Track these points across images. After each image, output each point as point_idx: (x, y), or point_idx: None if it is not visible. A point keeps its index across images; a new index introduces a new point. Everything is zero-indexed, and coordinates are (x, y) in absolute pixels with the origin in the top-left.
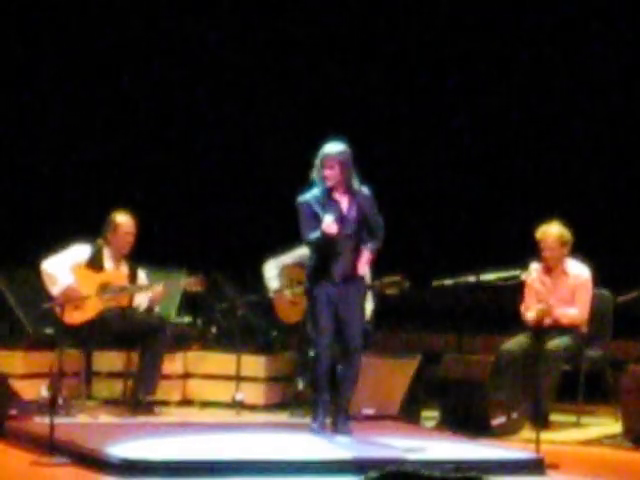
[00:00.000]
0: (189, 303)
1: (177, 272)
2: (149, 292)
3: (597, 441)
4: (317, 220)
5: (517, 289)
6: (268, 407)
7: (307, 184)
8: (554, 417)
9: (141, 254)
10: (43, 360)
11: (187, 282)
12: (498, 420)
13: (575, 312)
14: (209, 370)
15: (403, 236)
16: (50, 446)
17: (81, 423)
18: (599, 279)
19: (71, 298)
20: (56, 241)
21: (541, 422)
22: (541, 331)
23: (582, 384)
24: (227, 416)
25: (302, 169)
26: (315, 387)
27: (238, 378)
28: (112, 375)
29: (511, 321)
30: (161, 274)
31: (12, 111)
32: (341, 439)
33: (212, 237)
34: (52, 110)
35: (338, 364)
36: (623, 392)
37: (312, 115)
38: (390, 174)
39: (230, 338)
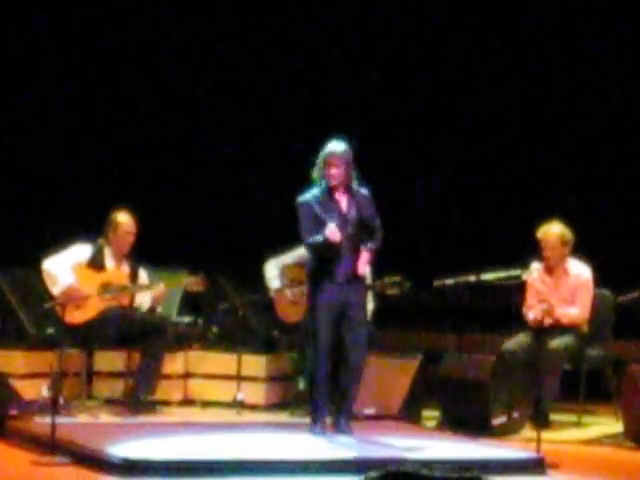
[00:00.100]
0: (190, 303)
1: (178, 272)
2: (150, 292)
3: (598, 441)
4: (317, 221)
5: (518, 289)
6: (269, 407)
7: (307, 184)
8: (555, 417)
9: (142, 254)
10: (44, 360)
11: (188, 282)
12: (499, 420)
13: (576, 312)
14: (210, 370)
15: (404, 236)
16: (51, 446)
17: (82, 423)
18: (600, 279)
19: (73, 297)
20: (57, 241)
21: (542, 421)
22: (542, 331)
23: (583, 384)
24: (228, 416)
25: (303, 169)
26: (314, 390)
27: (239, 378)
28: (113, 375)
29: (512, 321)
30: (162, 274)
31: (12, 111)
32: (342, 439)
33: (213, 237)
34: (52, 110)
35: (339, 366)
36: (624, 392)
37: (312, 115)
38: (390, 174)
39: (231, 338)
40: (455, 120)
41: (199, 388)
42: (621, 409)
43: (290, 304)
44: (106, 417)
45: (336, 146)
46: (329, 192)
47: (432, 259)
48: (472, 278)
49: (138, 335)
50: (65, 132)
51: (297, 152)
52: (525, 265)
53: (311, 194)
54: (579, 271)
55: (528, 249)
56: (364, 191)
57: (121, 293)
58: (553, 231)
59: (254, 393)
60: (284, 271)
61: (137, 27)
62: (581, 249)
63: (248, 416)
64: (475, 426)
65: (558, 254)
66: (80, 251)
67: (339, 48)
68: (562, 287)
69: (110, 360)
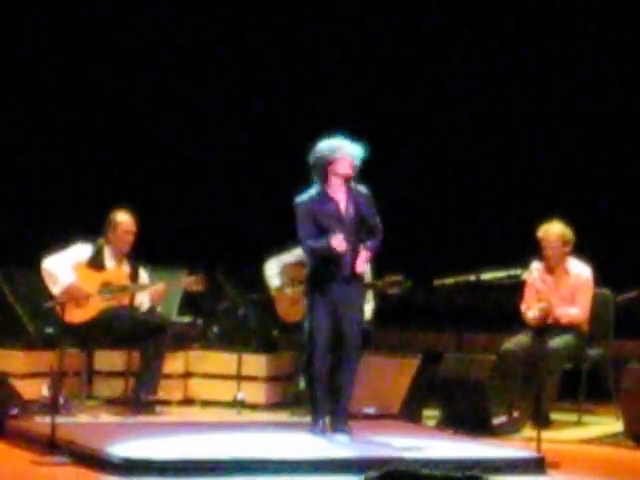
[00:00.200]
0: (190, 302)
1: (178, 271)
2: (150, 291)
3: (598, 440)
4: (315, 222)
5: (518, 288)
6: (269, 406)
7: (307, 184)
8: (555, 416)
9: (142, 253)
10: (44, 359)
11: (188, 281)
12: (499, 419)
13: (576, 311)
14: (210, 369)
15: (404, 235)
16: (51, 445)
17: (82, 422)
18: (600, 278)
19: (74, 296)
20: (57, 240)
21: (542, 421)
22: (542, 330)
23: (583, 383)
24: (228, 415)
25: (303, 169)
26: (314, 389)
27: (239, 377)
28: (113, 374)
29: (512, 320)
30: (162, 273)
31: (12, 110)
32: (342, 438)
33: (213, 237)
34: (52, 109)
35: (336, 365)
36: (624, 391)
37: (313, 115)
38: (391, 173)
39: (231, 337)
40: (455, 120)
41: (199, 388)
42: (621, 408)
43: (290, 303)
44: (106, 417)
45: (348, 143)
46: (327, 190)
47: (432, 258)
48: (472, 278)
49: (138, 335)
50: (65, 132)
51: (297, 152)
52: (525, 265)
53: (309, 194)
54: (579, 270)
55: (528, 249)
56: (363, 189)
57: (121, 293)
58: (554, 230)
59: (254, 393)
60: (284, 270)
61: (137, 27)
62: (581, 248)
63: (248, 416)
64: (475, 426)
65: (558, 253)
66: (80, 251)
67: (339, 48)
68: (562, 287)
69: (110, 360)
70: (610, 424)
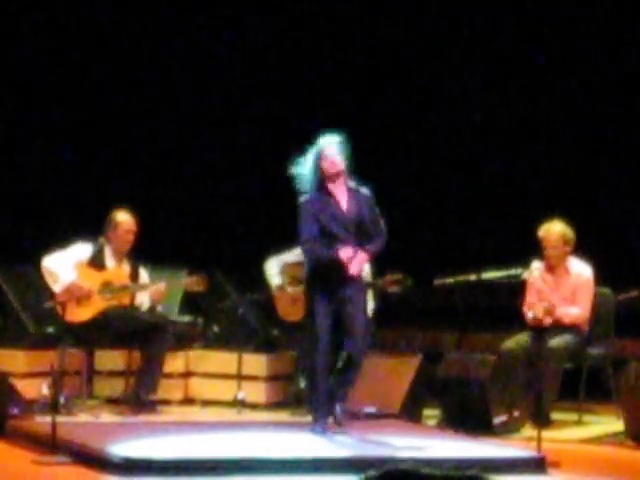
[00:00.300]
0: (190, 302)
1: (178, 271)
2: (150, 291)
3: (599, 439)
4: (317, 221)
5: (518, 288)
6: (269, 406)
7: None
8: (556, 415)
9: (142, 253)
10: (44, 359)
11: (188, 281)
12: (499, 418)
13: (577, 311)
14: (210, 369)
15: (405, 234)
16: (51, 445)
17: (82, 422)
18: (600, 278)
19: (75, 294)
20: (57, 240)
21: (542, 420)
22: (542, 330)
23: (583, 382)
24: (228, 415)
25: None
26: (315, 389)
27: (239, 377)
28: (113, 374)
29: (512, 320)
30: (162, 273)
31: (12, 109)
32: (342, 438)
33: (213, 236)
34: (52, 108)
35: (337, 365)
36: (624, 390)
37: (313, 114)
38: (391, 173)
39: (231, 337)
40: (455, 119)
41: (200, 387)
42: (622, 408)
43: (290, 303)
44: (107, 416)
45: (327, 141)
46: (328, 190)
47: (433, 258)
48: (473, 277)
49: (139, 334)
50: (65, 131)
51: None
52: (526, 264)
53: (313, 194)
54: (580, 270)
55: (529, 248)
56: (365, 190)
57: (121, 292)
58: (555, 230)
59: (254, 392)
60: (284, 269)
61: (137, 27)
62: (582, 248)
63: (249, 415)
64: (476, 425)
65: (559, 253)
66: (81, 250)
67: (340, 47)
68: (563, 286)
69: (111, 359)
70: (611, 423)
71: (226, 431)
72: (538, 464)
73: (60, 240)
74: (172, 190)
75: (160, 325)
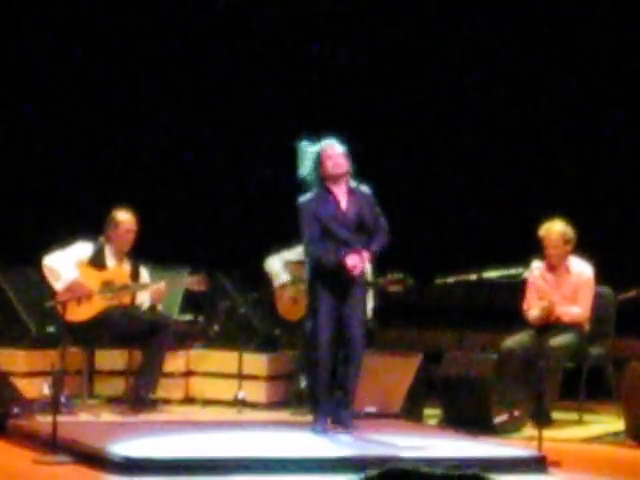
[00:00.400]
0: (191, 301)
1: (179, 271)
2: (151, 290)
3: (599, 439)
4: (317, 220)
5: (519, 287)
6: (270, 405)
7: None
8: (556, 415)
9: (143, 252)
10: (45, 358)
11: (189, 281)
12: (500, 418)
13: (577, 310)
14: (211, 368)
15: (405, 234)
16: (52, 444)
17: (83, 421)
18: (601, 277)
19: (77, 293)
20: (58, 239)
21: (543, 420)
22: (543, 329)
23: (584, 382)
24: (229, 414)
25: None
26: (316, 388)
27: (240, 376)
28: (114, 373)
29: (513, 319)
30: (163, 272)
31: (11, 108)
32: (343, 437)
33: (214, 236)
34: (52, 107)
35: (339, 364)
36: (625, 390)
37: (313, 113)
38: (392, 172)
39: (232, 336)
40: (456, 118)
41: (200, 386)
42: (622, 407)
43: (291, 302)
44: (107, 416)
45: (329, 141)
46: (329, 190)
47: (433, 257)
48: (473, 276)
49: (139, 333)
50: (65, 130)
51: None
52: (526, 264)
53: (312, 195)
54: (581, 269)
55: (530, 247)
56: (365, 189)
57: (122, 292)
58: (555, 229)
59: (255, 391)
60: (286, 268)
61: (137, 26)
62: (582, 247)
63: (249, 414)
64: (476, 424)
65: (560, 252)
66: (81, 249)
67: (340, 47)
68: (564, 285)
69: (111, 359)
70: (611, 423)
71: (227, 431)
72: (539, 463)
73: (60, 240)
74: (173, 189)
75: (161, 324)
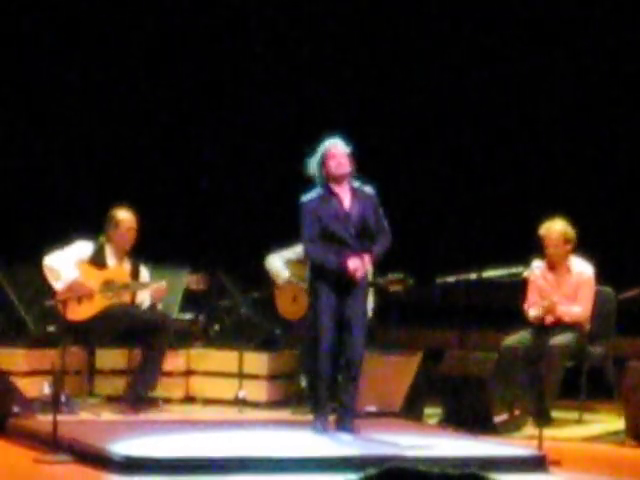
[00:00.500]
0: (191, 300)
1: (180, 270)
2: (151, 289)
3: (600, 438)
4: (318, 220)
5: (519, 286)
6: (270, 404)
7: (307, 182)
8: (557, 414)
9: (144, 251)
10: (45, 357)
11: (190, 280)
12: (501, 417)
13: (578, 310)
14: (211, 367)
15: (405, 233)
16: (53, 443)
17: (84, 420)
18: (601, 276)
19: (77, 292)
20: (58, 238)
21: (543, 419)
22: (543, 328)
23: (584, 381)
24: (229, 413)
25: (303, 166)
26: (317, 387)
27: (240, 375)
28: (115, 372)
29: (513, 318)
30: (164, 271)
31: (11, 108)
32: (343, 436)
33: (215, 235)
34: (51, 106)
35: (340, 364)
36: (626, 389)
37: (314, 113)
38: (392, 171)
39: (232, 335)
40: (456, 118)
41: (201, 386)
42: (623, 406)
43: (291, 301)
44: (108, 415)
45: (333, 141)
46: (332, 190)
47: (434, 256)
48: (474, 275)
49: (140, 332)
50: (64, 129)
51: (298, 149)
52: (527, 262)
53: (314, 194)
54: (581, 269)
55: (530, 247)
56: (369, 190)
57: (123, 291)
58: (556, 228)
59: (256, 391)
60: (287, 267)
61: (136, 26)
62: (583, 246)
63: (250, 414)
64: (477, 423)
65: (561, 251)
66: (82, 248)
67: (341, 49)
68: (564, 285)
69: (112, 358)
70: (612, 422)
71: (227, 430)
72: (539, 463)
73: (60, 239)
74: (173, 188)
75: (161, 323)
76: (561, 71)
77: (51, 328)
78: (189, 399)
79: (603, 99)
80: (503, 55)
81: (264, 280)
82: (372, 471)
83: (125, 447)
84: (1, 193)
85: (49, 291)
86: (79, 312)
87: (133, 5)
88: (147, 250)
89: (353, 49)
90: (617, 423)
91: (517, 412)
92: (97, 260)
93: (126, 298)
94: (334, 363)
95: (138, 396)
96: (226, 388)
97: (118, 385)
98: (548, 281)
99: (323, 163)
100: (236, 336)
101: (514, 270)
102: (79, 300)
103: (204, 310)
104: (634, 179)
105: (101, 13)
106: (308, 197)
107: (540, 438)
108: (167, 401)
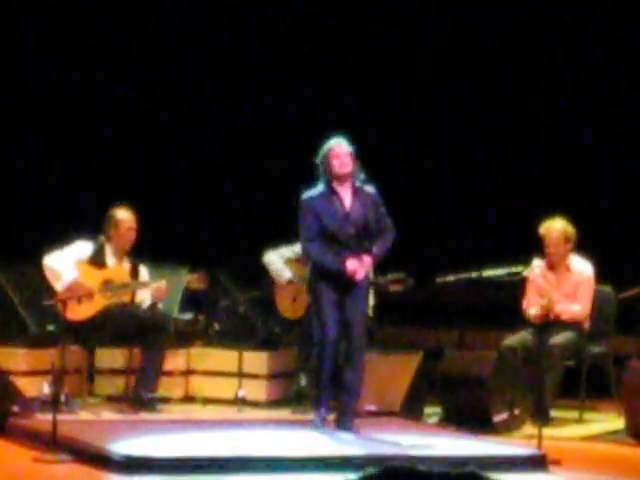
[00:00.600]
0: (191, 300)
1: (179, 269)
2: (152, 288)
3: (599, 437)
4: (318, 218)
5: (519, 285)
6: (270, 403)
7: (308, 180)
8: (556, 413)
9: (143, 251)
10: (45, 357)
11: (189, 279)
12: (500, 416)
13: (578, 309)
14: (211, 367)
15: (406, 232)
16: (52, 443)
17: (83, 420)
18: (601, 275)
19: (77, 293)
20: (58, 237)
21: (543, 418)
22: (543, 327)
23: (584, 380)
24: (229, 413)
25: (305, 166)
26: (318, 386)
27: (240, 375)
28: (114, 372)
29: (513, 317)
30: (163, 271)
31: (10, 107)
32: (343, 435)
33: (214, 234)
34: (51, 105)
35: (342, 364)
36: (625, 388)
37: (314, 112)
38: (392, 171)
39: (232, 335)
40: (456, 117)
41: (200, 385)
42: (622, 405)
43: (291, 300)
44: (107, 414)
45: (337, 140)
46: (333, 189)
47: (434, 255)
48: (473, 274)
49: (139, 332)
50: (64, 129)
51: (298, 148)
52: (526, 262)
53: (315, 192)
54: (581, 267)
55: (530, 246)
56: (370, 189)
57: (122, 290)
58: (556, 227)
59: (255, 390)
60: (286, 265)
61: (137, 25)
62: (583, 245)
63: (249, 413)
64: (476, 422)
65: (561, 251)
66: (81, 248)
67: (340, 47)
68: (564, 284)
69: (111, 357)
70: (611, 421)
71: (227, 429)
72: (539, 462)
73: (60, 238)
74: (172, 187)
75: (160, 323)
76: (561, 71)
77: (51, 328)
78: (189, 398)
79: (603, 99)
80: (503, 55)
81: (264, 279)
82: (372, 470)
83: (125, 447)
84: (1, 193)
85: (49, 291)
86: (79, 312)
87: (133, 5)
88: (146, 249)
89: (353, 49)
90: (617, 422)
91: (517, 411)
92: (97, 260)
93: (126, 298)
94: (335, 361)
95: (139, 397)
96: (226, 387)
97: (118, 385)
98: (548, 280)
99: (326, 162)
100: (236, 335)
101: (514, 269)
102: (79, 300)
103: (204, 309)
104: (634, 179)
105: (101, 13)
106: (309, 194)
107: (540, 437)
108: (167, 400)
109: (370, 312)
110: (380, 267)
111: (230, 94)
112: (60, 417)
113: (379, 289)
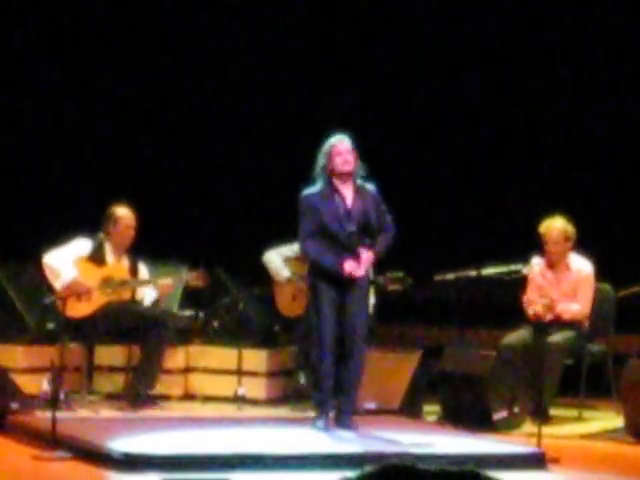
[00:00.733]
0: (191, 297)
1: (179, 266)
2: (156, 287)
3: (599, 436)
4: (318, 216)
5: (519, 284)
6: (269, 401)
7: (310, 179)
8: (555, 412)
9: (143, 248)
10: (45, 354)
11: (189, 277)
12: (499, 414)
13: (577, 307)
14: (211, 364)
15: (405, 231)
16: (52, 440)
17: (83, 417)
18: (601, 274)
19: (76, 291)
20: (57, 235)
21: (542, 417)
22: (542, 326)
23: (584, 379)
24: (229, 410)
25: (304, 164)
26: (318, 385)
27: (240, 372)
28: (114, 369)
29: (512, 316)
30: (163, 268)
31: (10, 107)
32: (342, 433)
33: (214, 231)
34: (51, 105)
35: (341, 362)
36: (625, 386)
37: (314, 112)
38: (392, 169)
39: (231, 332)
40: (457, 116)
41: (200, 383)
42: (622, 404)
43: (290, 298)
44: (107, 412)
45: (339, 137)
46: (334, 187)
47: (433, 254)
48: (473, 273)
49: (138, 329)
50: (64, 125)
51: (298, 147)
52: (526, 260)
53: (315, 189)
54: (581, 266)
55: (529, 244)
56: (371, 187)
57: (122, 287)
58: (556, 226)
59: (255, 388)
60: (286, 264)
61: (137, 24)
62: (582, 244)
63: (249, 411)
64: (476, 421)
65: (561, 249)
66: (81, 245)
67: (340, 46)
68: (564, 282)
69: (111, 354)
70: (611, 420)
71: (226, 427)
72: (538, 460)
73: (59, 237)
74: (172, 185)
75: (160, 320)
76: (561, 71)
77: (50, 325)
78: (188, 396)
79: (603, 99)
80: (503, 55)
81: (263, 277)
82: (371, 468)
83: (124, 444)
84: (1, 192)
85: (48, 288)
86: (78, 309)
87: (133, 5)
88: (146, 247)
89: (353, 49)
90: (616, 421)
91: (516, 410)
92: (96, 257)
93: (126, 295)
94: (335, 359)
95: (138, 394)
96: (225, 385)
97: (117, 382)
98: (547, 279)
99: (328, 159)
100: (235, 333)
101: (513, 268)
102: (78, 297)
103: (203, 307)
104: (634, 178)
105: (101, 13)
106: (309, 191)
107: (539, 435)
108: (166, 398)
109: (370, 311)
110: (379, 266)
111: (230, 94)
112: (59, 414)
113: (378, 288)
